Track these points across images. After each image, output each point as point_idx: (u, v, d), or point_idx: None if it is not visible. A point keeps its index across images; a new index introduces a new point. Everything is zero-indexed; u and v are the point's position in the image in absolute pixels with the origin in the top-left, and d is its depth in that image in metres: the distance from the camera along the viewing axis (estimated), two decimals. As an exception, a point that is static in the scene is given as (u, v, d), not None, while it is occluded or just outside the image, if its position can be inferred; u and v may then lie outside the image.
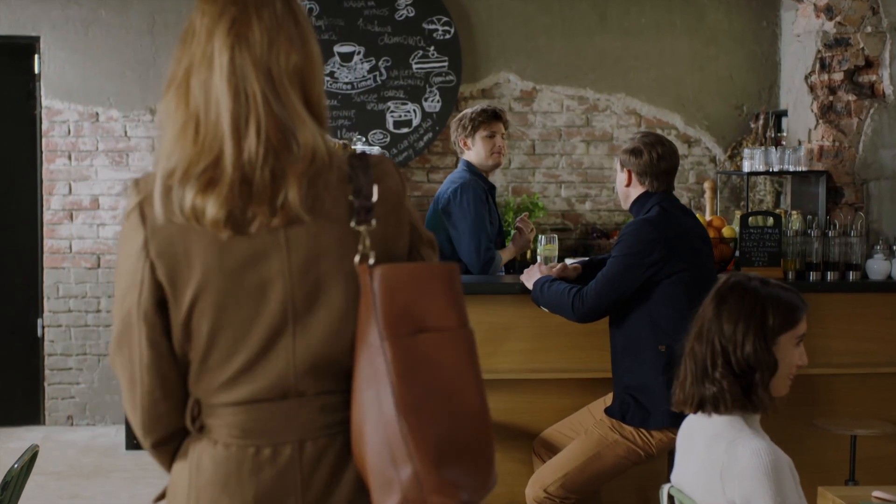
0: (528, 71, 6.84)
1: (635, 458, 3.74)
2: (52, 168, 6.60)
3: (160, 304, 1.72)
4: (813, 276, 4.49)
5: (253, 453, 1.72)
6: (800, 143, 5.18)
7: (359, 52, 6.69)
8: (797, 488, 2.35)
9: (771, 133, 6.54)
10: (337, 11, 6.66)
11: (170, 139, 1.70)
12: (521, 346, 4.18)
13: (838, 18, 4.99)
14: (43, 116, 6.58)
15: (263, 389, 1.71)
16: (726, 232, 4.61)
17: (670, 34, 6.91)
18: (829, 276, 4.50)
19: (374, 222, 1.71)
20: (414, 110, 6.72)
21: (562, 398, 4.18)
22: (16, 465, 2.67)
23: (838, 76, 4.97)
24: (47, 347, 6.63)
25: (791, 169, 4.89)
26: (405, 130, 6.73)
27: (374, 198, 1.72)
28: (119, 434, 6.33)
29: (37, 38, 6.56)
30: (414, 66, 6.71)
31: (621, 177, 3.87)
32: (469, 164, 4.76)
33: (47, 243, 6.60)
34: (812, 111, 5.08)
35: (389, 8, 6.69)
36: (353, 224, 1.71)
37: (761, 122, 6.65)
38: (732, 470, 2.35)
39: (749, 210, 5.10)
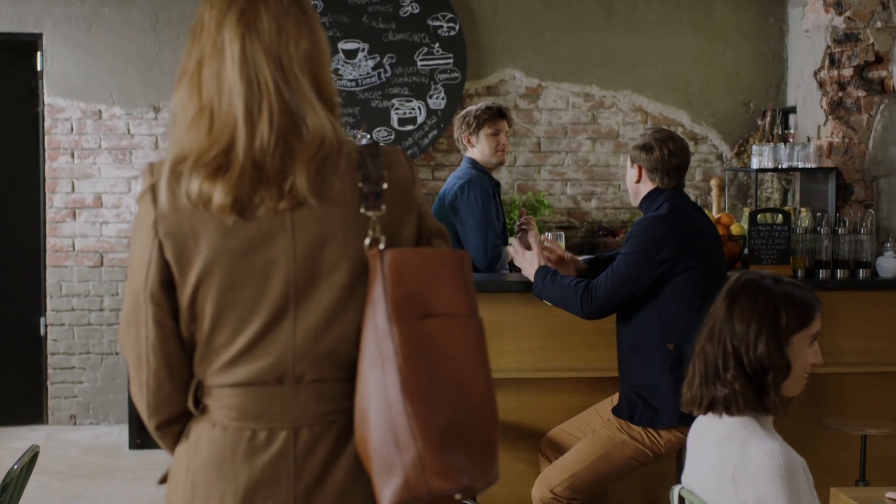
0: (534, 68, 6.80)
1: (643, 458, 3.70)
2: (55, 166, 6.58)
3: (167, 284, 1.75)
4: (822, 273, 4.45)
5: (248, 437, 1.74)
6: (809, 139, 5.14)
7: (363, 49, 6.65)
8: (811, 490, 2.30)
9: (778, 130, 6.50)
10: (341, 8, 6.63)
11: (182, 128, 1.74)
12: (528, 344, 4.14)
13: (848, 13, 4.94)
14: (45, 114, 6.56)
15: (261, 372, 1.73)
16: (735, 229, 4.57)
17: (677, 30, 6.87)
18: (839, 273, 4.46)
19: (383, 208, 1.73)
20: (419, 107, 6.69)
21: (569, 398, 4.14)
22: (15, 467, 2.63)
23: (848, 72, 4.93)
24: (50, 346, 6.60)
25: (800, 166, 4.85)
26: (410, 128, 6.70)
27: (385, 185, 1.74)
28: (122, 433, 6.30)
29: (39, 35, 6.53)
30: (419, 63, 6.68)
31: (631, 173, 3.83)
32: (473, 162, 4.73)
33: (50, 242, 6.57)
34: (821, 107, 5.03)
35: (394, 4, 6.66)
36: (362, 209, 1.73)
37: (768, 119, 6.61)
38: (745, 471, 2.31)
39: (757, 207, 5.05)
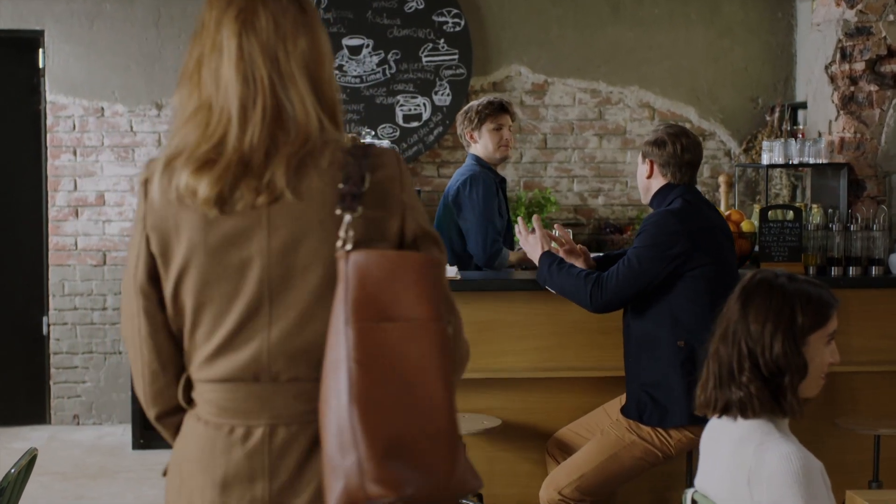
0: (540, 63, 6.75)
1: (653, 459, 3.65)
2: (57, 164, 6.54)
3: (155, 277, 1.80)
4: (834, 271, 4.40)
5: (227, 432, 1.77)
6: (820, 134, 5.08)
7: (367, 46, 6.61)
8: (829, 494, 2.24)
9: (787, 126, 6.44)
10: (345, 4, 6.59)
11: (180, 124, 1.78)
12: (536, 343, 4.10)
13: (859, 6, 4.88)
14: (47, 111, 6.52)
15: (238, 369, 1.76)
16: (745, 226, 4.52)
17: (684, 25, 6.82)
18: (851, 271, 4.40)
19: (359, 210, 1.73)
20: (424, 104, 6.65)
21: (577, 397, 4.10)
22: (13, 471, 2.58)
23: (860, 66, 4.86)
24: (53, 346, 6.56)
25: (811, 161, 4.79)
26: (415, 124, 6.66)
27: (365, 186, 1.74)
28: (126, 433, 6.26)
29: (41, 32, 6.49)
30: (424, 60, 6.64)
31: (642, 169, 3.78)
32: (477, 158, 4.67)
33: (52, 240, 6.53)
34: (833, 102, 4.97)
35: (398, 0, 6.61)
36: (338, 210, 1.73)
37: (777, 114, 6.56)
38: (761, 475, 2.25)
39: (767, 204, 4.99)
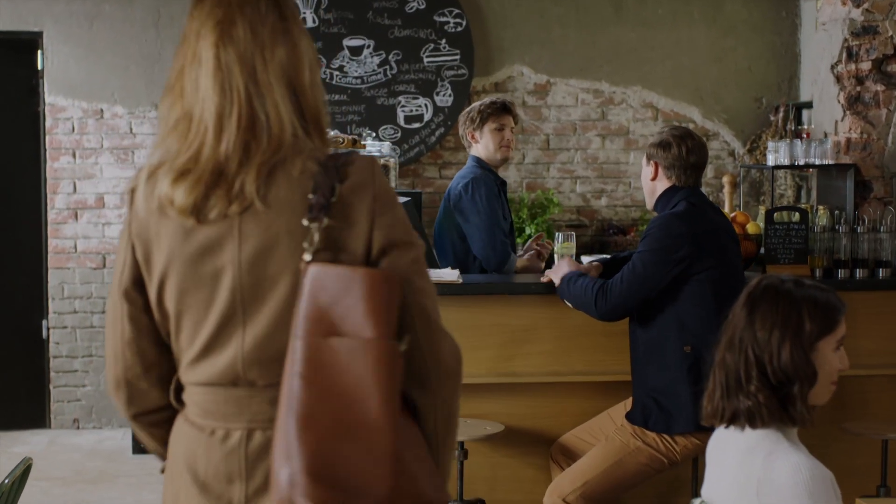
0: (542, 63, 6.72)
1: (658, 465, 3.61)
2: (56, 166, 6.50)
3: (140, 283, 1.84)
4: (841, 273, 4.35)
5: (209, 433, 1.81)
6: (826, 135, 5.03)
7: (368, 46, 6.58)
8: None
9: (791, 126, 6.40)
10: (346, 4, 6.56)
11: (164, 134, 1.82)
12: (541, 348, 4.05)
13: (866, 5, 4.83)
14: (46, 113, 6.49)
15: (216, 374, 1.80)
16: (751, 228, 4.47)
17: (687, 24, 6.79)
18: (858, 273, 4.35)
19: (325, 220, 1.74)
20: (425, 105, 6.61)
21: (581, 402, 4.05)
22: (6, 481, 2.53)
23: (866, 65, 4.82)
24: (52, 349, 6.53)
25: (817, 162, 4.74)
26: (416, 125, 6.62)
27: (335, 197, 1.75)
28: (126, 438, 6.22)
29: (39, 34, 6.45)
30: (425, 60, 6.60)
31: (647, 171, 3.74)
32: (478, 160, 4.62)
33: (52, 243, 6.50)
34: (839, 102, 4.92)
35: (399, 0, 6.57)
36: (304, 221, 1.75)
37: (781, 114, 6.52)
38: (770, 486, 2.20)
39: (773, 205, 4.94)
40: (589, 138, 6.80)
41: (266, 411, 1.78)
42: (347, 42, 6.58)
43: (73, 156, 6.51)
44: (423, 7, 6.59)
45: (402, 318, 1.75)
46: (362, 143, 5.44)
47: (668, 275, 3.56)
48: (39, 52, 6.47)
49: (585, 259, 4.47)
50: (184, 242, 1.78)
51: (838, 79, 4.95)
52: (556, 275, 3.88)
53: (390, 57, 6.60)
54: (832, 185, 4.92)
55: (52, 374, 6.53)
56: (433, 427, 1.82)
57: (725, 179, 5.93)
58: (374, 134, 6.47)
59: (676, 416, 3.55)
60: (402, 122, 6.63)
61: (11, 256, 6.54)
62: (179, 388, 1.87)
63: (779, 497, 2.18)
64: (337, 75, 6.58)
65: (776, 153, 4.75)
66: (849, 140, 4.87)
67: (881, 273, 4.37)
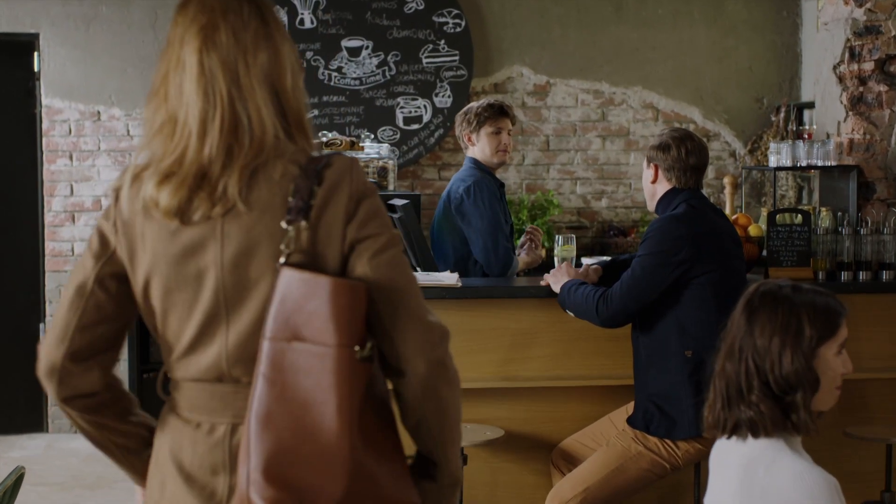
0: (542, 64, 6.68)
1: (660, 470, 3.58)
2: (53, 169, 6.47)
3: (119, 277, 1.89)
4: (844, 276, 4.31)
5: (195, 426, 1.86)
6: (828, 136, 4.98)
7: (367, 47, 6.54)
8: None
9: (793, 126, 6.37)
10: (344, 5, 6.52)
11: (149, 138, 1.85)
12: (541, 352, 4.01)
13: (868, 5, 4.79)
14: (43, 115, 6.45)
15: (202, 371, 1.85)
16: (753, 231, 4.43)
17: (688, 24, 6.75)
18: (861, 275, 4.31)
19: (303, 223, 1.78)
20: (424, 106, 6.58)
21: (582, 407, 4.02)
22: (-1, 491, 2.49)
23: (869, 66, 4.78)
24: (50, 353, 6.47)
25: (819, 163, 4.70)
26: (415, 127, 6.58)
27: (314, 200, 1.79)
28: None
29: (36, 35, 6.41)
30: (424, 61, 6.57)
31: (647, 173, 3.72)
32: (476, 162, 4.58)
33: (49, 246, 6.46)
34: (841, 103, 4.88)
35: (398, 1, 6.55)
36: (283, 223, 1.79)
37: (782, 114, 6.49)
38: (774, 496, 2.16)
39: (775, 207, 4.90)
40: (589, 139, 6.76)
41: None
42: (346, 43, 6.54)
43: (70, 158, 6.48)
44: (421, 7, 6.55)
45: (373, 310, 1.79)
46: (360, 144, 5.41)
47: (669, 278, 3.52)
48: (36, 53, 6.43)
49: (586, 261, 4.43)
50: (168, 243, 1.83)
51: (841, 79, 4.91)
52: (555, 282, 3.84)
53: (389, 58, 6.56)
54: (834, 186, 4.88)
55: (50, 378, 6.48)
56: (420, 420, 1.84)
57: (726, 180, 5.90)
58: (372, 135, 6.44)
59: (678, 421, 3.52)
60: (400, 123, 6.59)
61: (8, 259, 6.51)
62: (166, 380, 1.93)
63: (783, 506, 2.14)
64: (335, 76, 6.54)
65: (778, 154, 4.71)
66: (851, 141, 4.83)
67: (884, 275, 4.33)
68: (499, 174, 4.69)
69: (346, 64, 6.55)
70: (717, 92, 6.80)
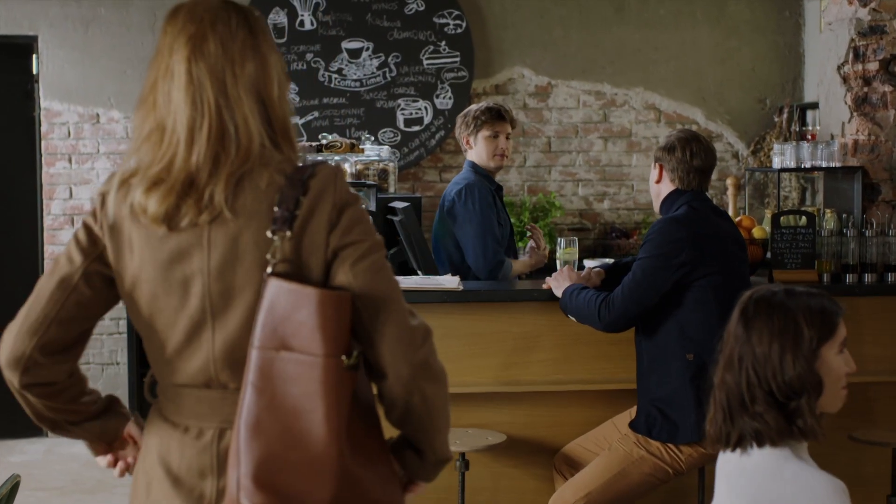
0: (543, 65, 6.65)
1: (663, 475, 3.54)
2: (52, 172, 6.44)
3: (104, 277, 1.92)
4: (849, 278, 4.27)
5: (182, 430, 1.90)
6: (832, 137, 4.94)
7: (367, 48, 6.51)
8: None
9: (796, 127, 6.33)
10: (344, 6, 6.48)
11: (137, 145, 1.88)
12: (543, 356, 3.98)
13: (872, 5, 4.75)
14: (42, 118, 6.43)
15: (190, 376, 1.88)
16: (757, 233, 4.40)
17: (690, 25, 6.72)
18: (867, 278, 4.27)
19: (288, 233, 1.81)
20: (425, 107, 6.55)
21: (584, 411, 3.98)
22: (-7, 500, 2.46)
23: (873, 66, 4.73)
24: (49, 357, 6.44)
25: (824, 165, 4.65)
26: (416, 128, 6.55)
27: (299, 210, 1.82)
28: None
29: (34, 38, 6.39)
30: (425, 62, 6.53)
31: (653, 174, 3.71)
32: (474, 165, 4.54)
33: (48, 249, 6.43)
34: (845, 103, 4.84)
35: (399, 2, 6.51)
36: (268, 233, 1.82)
37: (785, 115, 6.45)
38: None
39: (779, 209, 4.86)
40: (591, 140, 6.73)
41: (236, 412, 1.85)
42: (346, 44, 6.51)
43: (69, 161, 6.45)
44: (422, 9, 6.52)
45: (356, 316, 1.82)
46: (361, 146, 5.38)
47: (669, 280, 3.49)
48: (34, 56, 6.41)
49: (588, 263, 4.39)
50: (155, 249, 1.85)
51: (845, 79, 4.88)
52: (557, 286, 3.81)
53: (389, 59, 6.53)
54: (839, 187, 4.84)
55: (49, 382, 6.45)
56: (405, 416, 1.88)
57: (729, 182, 5.85)
58: (373, 137, 6.41)
59: (681, 426, 3.49)
60: (401, 125, 6.56)
61: (8, 263, 6.48)
62: (153, 384, 1.96)
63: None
64: (336, 78, 6.51)
65: (782, 155, 4.67)
66: (856, 142, 4.79)
67: (889, 278, 4.29)
68: (500, 176, 4.66)
69: (346, 65, 6.52)
70: (719, 93, 6.77)
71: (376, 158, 5.36)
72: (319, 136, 5.62)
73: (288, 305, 1.78)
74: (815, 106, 6.00)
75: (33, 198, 6.47)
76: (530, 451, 4.00)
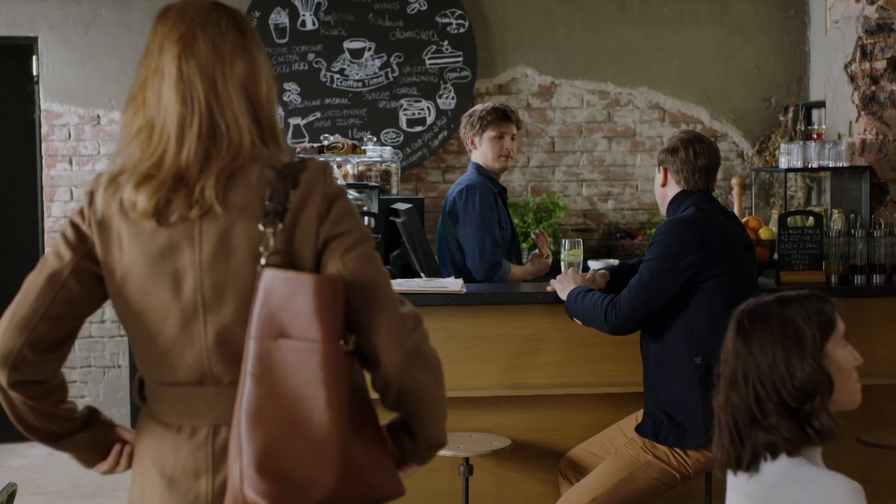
0: (547, 65, 6.61)
1: (670, 480, 3.50)
2: (53, 174, 6.41)
3: (92, 274, 1.92)
4: (857, 279, 4.22)
5: (175, 430, 1.90)
6: (840, 136, 4.89)
7: (370, 48, 6.47)
8: None
9: (801, 126, 6.28)
10: (346, 6, 6.44)
11: (126, 143, 1.89)
12: (548, 359, 3.94)
13: (880, 2, 4.70)
14: (42, 120, 6.40)
15: (182, 373, 1.89)
16: (763, 234, 4.35)
17: (694, 24, 6.68)
18: (875, 279, 4.23)
19: (280, 225, 1.83)
20: (428, 108, 6.50)
21: (590, 414, 3.95)
22: (-11, 509, 2.42)
23: (881, 64, 4.68)
24: (50, 360, 6.41)
25: (831, 164, 4.60)
26: (419, 129, 6.51)
27: (289, 203, 1.85)
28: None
29: (35, 39, 6.36)
30: (427, 62, 6.49)
31: (658, 177, 3.67)
32: (478, 166, 4.51)
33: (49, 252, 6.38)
34: (853, 102, 4.79)
35: (401, 2, 6.47)
36: (260, 226, 1.84)
37: (790, 114, 6.41)
38: None
39: (787, 209, 4.81)
40: (595, 140, 6.69)
41: (231, 407, 1.84)
42: (348, 44, 6.47)
43: (70, 163, 6.42)
44: (424, 8, 6.48)
45: (347, 305, 1.83)
46: (363, 147, 5.33)
47: (677, 282, 3.45)
48: (35, 57, 6.38)
49: (593, 264, 4.35)
50: (145, 244, 1.87)
51: (852, 78, 4.82)
52: (562, 289, 3.76)
53: (392, 59, 6.49)
54: (846, 187, 4.79)
55: (50, 385, 6.42)
56: (398, 401, 1.90)
57: (734, 182, 5.80)
58: (375, 138, 6.37)
59: (688, 430, 3.45)
60: (404, 125, 6.52)
61: (8, 265, 6.44)
62: (141, 387, 1.96)
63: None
64: (337, 78, 6.47)
65: (789, 155, 4.62)
66: (864, 141, 4.74)
67: (898, 278, 4.25)
68: (503, 176, 4.61)
69: (348, 66, 6.48)
70: (723, 92, 6.72)
71: (378, 159, 5.32)
72: (321, 137, 5.58)
73: (284, 294, 1.79)
74: (820, 105, 5.95)
75: (34, 200, 6.45)
76: (535, 456, 3.96)
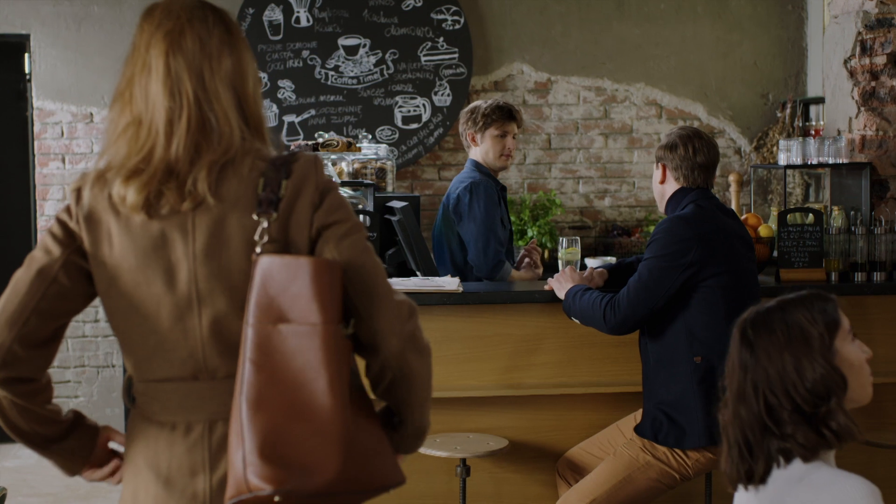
0: (543, 61, 6.57)
1: (669, 481, 3.47)
2: (46, 172, 6.36)
3: (81, 270, 1.92)
4: (858, 276, 4.19)
5: (169, 428, 1.88)
6: (839, 132, 4.86)
7: (364, 45, 6.43)
8: None
9: (799, 122, 6.25)
10: (341, 2, 6.40)
11: (112, 141, 1.90)
12: (546, 358, 3.90)
13: (880, -3, 4.67)
14: (34, 118, 6.35)
15: (176, 368, 1.88)
16: (763, 231, 4.31)
17: (692, 20, 6.64)
18: (876, 276, 4.20)
19: (274, 214, 1.85)
20: (423, 105, 6.46)
21: (589, 415, 3.92)
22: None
23: (881, 60, 4.65)
24: (43, 360, 6.37)
25: (831, 161, 4.57)
26: (414, 126, 6.46)
27: (282, 192, 1.86)
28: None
29: (26, 36, 6.31)
30: (422, 59, 6.45)
31: (656, 174, 3.63)
32: (477, 164, 4.47)
33: (41, 251, 6.34)
34: (853, 98, 4.76)
35: (396, -2, 6.42)
36: (254, 215, 1.85)
37: (788, 110, 6.37)
38: None
39: (786, 206, 4.78)
40: (591, 137, 6.65)
41: (227, 402, 1.84)
42: (343, 41, 6.43)
43: (63, 161, 6.37)
44: (419, 4, 6.44)
45: (343, 291, 1.84)
46: (358, 145, 5.28)
47: (677, 281, 3.42)
48: (27, 55, 6.33)
49: (590, 262, 4.31)
50: (136, 238, 1.87)
51: (852, 73, 4.79)
52: (559, 287, 3.73)
53: (387, 56, 6.45)
54: (846, 184, 4.75)
55: (44, 386, 6.38)
56: (389, 387, 1.91)
57: (732, 178, 5.76)
58: (370, 135, 6.32)
59: (688, 430, 3.42)
60: (399, 122, 6.47)
61: (1, 265, 6.40)
62: (130, 386, 1.95)
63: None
64: (332, 75, 6.43)
65: (788, 152, 4.58)
66: (863, 137, 4.70)
67: (899, 276, 4.22)
68: (499, 174, 4.58)
69: (343, 62, 6.43)
70: (721, 88, 6.69)
71: (374, 157, 5.28)
72: (316, 135, 5.53)
73: (282, 279, 1.79)
74: (818, 101, 5.92)
75: (26, 198, 6.41)
76: (533, 457, 3.93)
